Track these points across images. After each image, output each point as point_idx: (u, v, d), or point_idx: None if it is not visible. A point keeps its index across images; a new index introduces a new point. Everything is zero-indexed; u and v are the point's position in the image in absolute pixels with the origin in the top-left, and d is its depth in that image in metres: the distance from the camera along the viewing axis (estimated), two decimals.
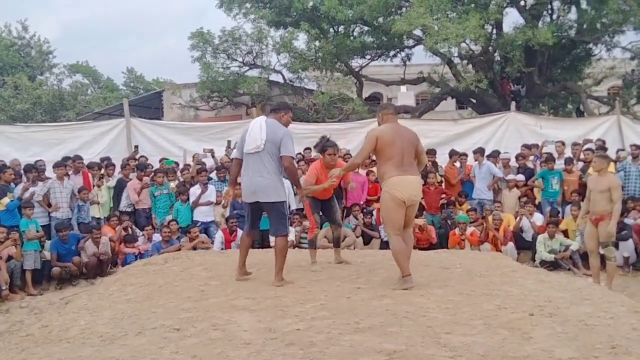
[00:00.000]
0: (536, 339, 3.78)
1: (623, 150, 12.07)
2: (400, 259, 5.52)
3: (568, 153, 12.26)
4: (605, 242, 7.91)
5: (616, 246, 9.56)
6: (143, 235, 10.65)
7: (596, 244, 8.06)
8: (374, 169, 11.76)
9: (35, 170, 10.60)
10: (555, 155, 11.99)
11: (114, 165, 11.99)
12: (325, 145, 6.92)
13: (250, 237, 6.24)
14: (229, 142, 13.41)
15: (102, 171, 11.65)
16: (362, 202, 11.50)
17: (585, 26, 19.22)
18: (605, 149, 11.80)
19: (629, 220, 10.15)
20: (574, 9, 19.69)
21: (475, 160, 12.00)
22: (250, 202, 5.97)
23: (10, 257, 9.06)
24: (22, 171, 10.87)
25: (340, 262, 7.00)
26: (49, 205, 10.24)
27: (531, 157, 12.42)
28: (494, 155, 12.22)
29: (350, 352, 3.53)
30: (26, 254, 9.20)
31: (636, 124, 14.57)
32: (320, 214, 7.20)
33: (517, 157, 12.29)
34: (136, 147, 13.57)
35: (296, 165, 6.37)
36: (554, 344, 3.65)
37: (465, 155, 12.40)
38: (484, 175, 11.72)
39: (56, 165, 10.59)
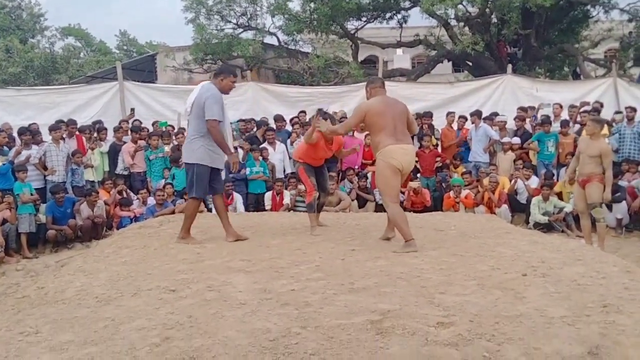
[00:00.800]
0: (529, 298, 3.80)
1: (619, 112, 12.04)
2: (401, 224, 5.53)
3: (565, 115, 12.23)
4: (594, 203, 7.94)
5: (610, 208, 9.66)
6: (138, 198, 10.65)
7: (585, 206, 8.09)
8: None
9: (29, 133, 10.53)
10: (552, 117, 11.97)
11: (106, 129, 11.93)
12: (322, 117, 6.83)
13: (218, 198, 6.27)
14: None
15: (95, 135, 11.58)
16: (357, 167, 11.48)
17: None
18: (599, 111, 11.79)
19: (622, 182, 10.19)
20: None
21: (472, 122, 11.97)
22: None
23: (5, 221, 9.06)
24: (15, 134, 10.81)
25: (320, 225, 6.87)
26: (45, 168, 10.20)
27: (528, 120, 12.40)
28: (491, 118, 12.18)
29: (344, 311, 3.56)
30: (21, 217, 9.21)
31: (632, 87, 14.51)
32: None
33: (514, 120, 12.26)
34: (132, 109, 13.48)
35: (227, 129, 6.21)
36: (547, 304, 3.68)
37: (465, 118, 12.33)
38: (480, 137, 11.71)
39: (52, 129, 10.52)
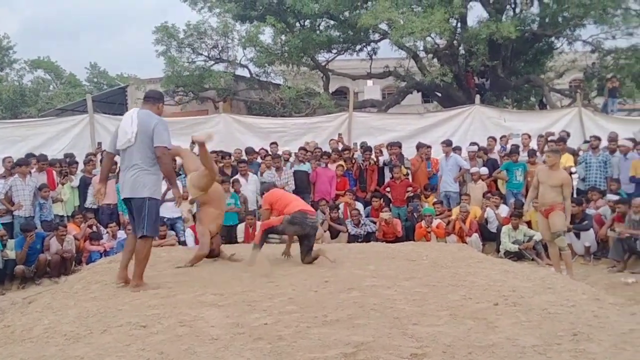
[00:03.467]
0: (501, 328, 3.84)
1: (586, 142, 12.30)
2: None
3: (533, 145, 12.46)
4: (557, 232, 8.04)
5: (578, 236, 9.81)
6: (107, 232, 10.50)
7: (551, 235, 8.19)
8: (343, 163, 11.83)
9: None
10: (521, 147, 12.19)
11: (77, 162, 11.79)
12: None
13: (133, 238, 5.63)
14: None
15: (66, 169, 11.44)
16: (330, 198, 11.50)
17: (547, 20, 19.60)
18: (565, 140, 12.05)
19: (590, 211, 10.36)
20: (536, 3, 20.06)
21: (443, 152, 12.10)
22: (124, 199, 5.62)
23: None
24: None
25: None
26: (12, 203, 10.03)
27: (496, 149, 12.60)
28: (458, 149, 12.37)
29: (318, 345, 3.55)
30: None
31: (597, 116, 14.89)
32: None
33: (483, 150, 12.45)
34: (99, 144, 13.36)
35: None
36: (518, 332, 3.72)
37: (429, 147, 12.46)
38: (450, 167, 11.83)
39: (18, 164, 10.37)
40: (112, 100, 22.39)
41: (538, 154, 11.84)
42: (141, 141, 5.38)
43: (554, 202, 7.96)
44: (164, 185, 6.73)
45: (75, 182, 11.31)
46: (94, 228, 10.49)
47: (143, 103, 5.74)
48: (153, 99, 5.70)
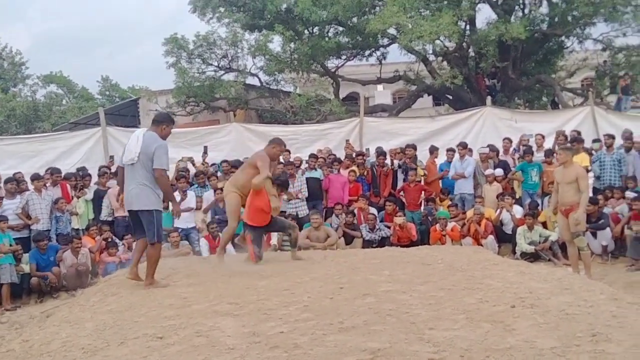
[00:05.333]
0: (518, 330, 3.81)
1: (598, 141, 12.21)
2: None
3: (549, 144, 12.38)
4: (576, 232, 8.00)
5: (595, 235, 9.72)
6: (123, 244, 10.54)
7: (570, 235, 8.14)
8: (355, 168, 11.82)
9: (15, 182, 10.48)
10: (535, 147, 12.12)
11: (90, 175, 11.85)
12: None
13: (143, 242, 6.29)
14: (205, 147, 13.37)
15: (80, 182, 11.52)
16: (344, 203, 11.49)
17: (556, 19, 19.46)
18: (582, 140, 11.95)
19: (607, 209, 10.27)
20: (545, 2, 19.95)
21: (459, 154, 12.04)
22: (128, 211, 6.29)
23: None
24: (1, 184, 10.74)
25: (297, 259, 7.43)
26: (29, 217, 10.12)
27: (511, 150, 12.54)
28: (470, 151, 12.35)
29: (334, 352, 3.54)
30: (1, 267, 9.06)
31: (609, 114, 14.77)
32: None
33: (497, 152, 12.38)
34: (111, 157, 13.45)
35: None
36: (536, 335, 3.68)
37: (453, 150, 12.38)
38: (465, 169, 11.77)
39: (33, 178, 10.49)
40: (124, 113, 22.58)
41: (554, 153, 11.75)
42: (143, 161, 5.99)
43: (573, 202, 7.93)
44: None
45: (89, 195, 11.38)
46: (109, 240, 10.55)
47: (150, 125, 6.32)
48: (157, 122, 6.30)
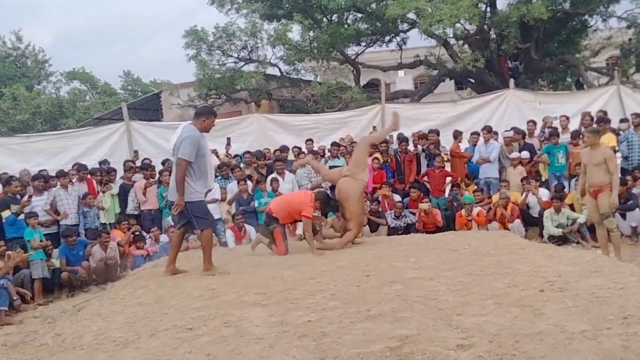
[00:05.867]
0: (548, 314, 3.77)
1: (625, 120, 12.00)
2: None
3: (575, 125, 12.21)
4: (606, 213, 7.90)
5: (623, 216, 9.58)
6: (150, 237, 10.66)
7: (600, 216, 8.05)
8: (379, 155, 11.76)
9: (42, 179, 10.64)
10: (560, 129, 11.95)
11: (115, 170, 11.97)
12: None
13: (178, 236, 6.55)
14: (228, 139, 13.42)
15: (106, 177, 11.65)
16: (368, 191, 11.46)
17: None
18: (608, 120, 11.75)
19: (635, 190, 10.12)
20: None
21: (484, 138, 11.92)
22: (170, 200, 6.53)
23: (19, 268, 9.08)
24: (29, 181, 10.90)
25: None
26: (57, 213, 10.27)
27: (536, 133, 12.38)
28: (495, 134, 12.21)
29: (362, 340, 3.54)
30: (32, 263, 9.22)
31: (636, 93, 14.51)
32: None
33: (521, 133, 12.22)
34: (136, 151, 13.57)
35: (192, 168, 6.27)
36: (566, 319, 3.64)
37: (477, 133, 12.28)
38: (490, 153, 11.66)
39: (58, 175, 10.63)
40: (147, 107, 22.75)
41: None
42: (177, 152, 6.10)
43: (602, 183, 7.83)
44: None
45: (115, 189, 11.50)
46: (138, 234, 10.68)
47: (193, 117, 6.48)
48: (197, 115, 6.45)
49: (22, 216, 9.82)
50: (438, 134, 12.41)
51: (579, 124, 12.22)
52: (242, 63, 20.44)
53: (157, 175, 11.59)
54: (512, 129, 12.39)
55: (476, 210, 10.67)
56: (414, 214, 10.94)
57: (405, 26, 20.43)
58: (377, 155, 11.92)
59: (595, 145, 7.98)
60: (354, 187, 7.49)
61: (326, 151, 12.51)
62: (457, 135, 12.39)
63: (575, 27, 21.06)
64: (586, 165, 8.05)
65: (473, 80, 21.64)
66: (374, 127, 14.27)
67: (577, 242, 9.81)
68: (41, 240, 9.59)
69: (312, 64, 21.12)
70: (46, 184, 10.66)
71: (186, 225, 6.47)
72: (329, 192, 8.73)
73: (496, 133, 12.33)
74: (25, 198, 10.22)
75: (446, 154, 12.12)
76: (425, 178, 11.78)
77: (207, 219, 6.35)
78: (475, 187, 11.49)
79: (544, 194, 10.88)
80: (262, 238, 7.54)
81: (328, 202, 7.63)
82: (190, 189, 6.12)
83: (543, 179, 11.48)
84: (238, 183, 11.22)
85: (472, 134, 12.33)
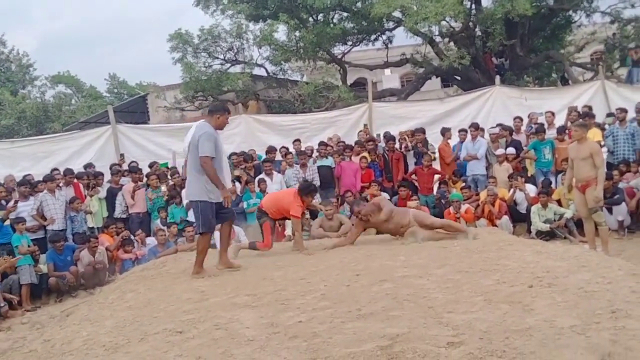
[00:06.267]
0: (537, 310, 3.79)
1: (611, 115, 12.07)
2: None
3: (562, 121, 12.28)
4: (594, 207, 7.96)
5: (610, 210, 9.65)
6: (136, 240, 10.60)
7: (587, 211, 8.10)
8: (366, 154, 11.77)
9: (28, 185, 10.55)
10: (546, 125, 12.01)
11: (102, 174, 11.90)
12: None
13: (225, 228, 6.54)
14: None
15: (92, 181, 11.57)
16: (356, 190, 11.46)
17: None
18: (593, 116, 11.84)
19: (621, 184, 10.19)
20: None
21: (471, 135, 11.97)
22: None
23: (6, 274, 9.01)
24: (14, 187, 10.80)
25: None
26: (44, 218, 10.19)
27: (523, 129, 12.44)
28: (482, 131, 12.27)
29: (353, 339, 3.54)
30: (20, 269, 9.15)
31: (621, 87, 14.61)
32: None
33: (507, 130, 12.28)
34: (122, 155, 13.48)
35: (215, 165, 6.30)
36: (555, 314, 3.66)
37: (465, 130, 12.31)
38: (478, 150, 11.71)
39: (45, 180, 10.54)
40: (134, 110, 22.62)
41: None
42: (192, 150, 6.16)
43: (589, 177, 7.90)
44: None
45: (102, 193, 11.44)
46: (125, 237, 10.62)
47: (207, 114, 6.52)
48: (210, 112, 6.46)
49: (7, 222, 9.75)
50: (424, 132, 12.44)
51: (565, 119, 12.31)
52: (229, 64, 20.39)
53: (145, 179, 11.53)
54: (498, 125, 12.45)
55: (464, 207, 10.70)
56: None
57: (391, 25, 20.44)
58: (365, 154, 11.92)
59: (582, 139, 8.05)
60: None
61: (314, 151, 12.49)
62: (444, 132, 12.43)
63: (560, 22, 21.17)
64: (573, 160, 8.11)
65: (459, 78, 21.70)
66: (365, 125, 14.27)
67: (565, 237, 9.86)
68: (29, 246, 9.52)
69: (299, 64, 21.09)
70: (33, 189, 10.58)
71: (223, 219, 6.44)
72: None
73: (483, 130, 12.39)
74: (11, 204, 10.15)
75: (434, 152, 12.15)
76: (414, 176, 11.82)
77: (210, 223, 6.30)
78: (463, 184, 11.54)
79: (531, 189, 10.94)
80: (241, 245, 7.59)
81: (309, 190, 7.68)
82: (204, 188, 6.13)
83: (529, 175, 11.54)
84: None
85: (459, 130, 12.37)
